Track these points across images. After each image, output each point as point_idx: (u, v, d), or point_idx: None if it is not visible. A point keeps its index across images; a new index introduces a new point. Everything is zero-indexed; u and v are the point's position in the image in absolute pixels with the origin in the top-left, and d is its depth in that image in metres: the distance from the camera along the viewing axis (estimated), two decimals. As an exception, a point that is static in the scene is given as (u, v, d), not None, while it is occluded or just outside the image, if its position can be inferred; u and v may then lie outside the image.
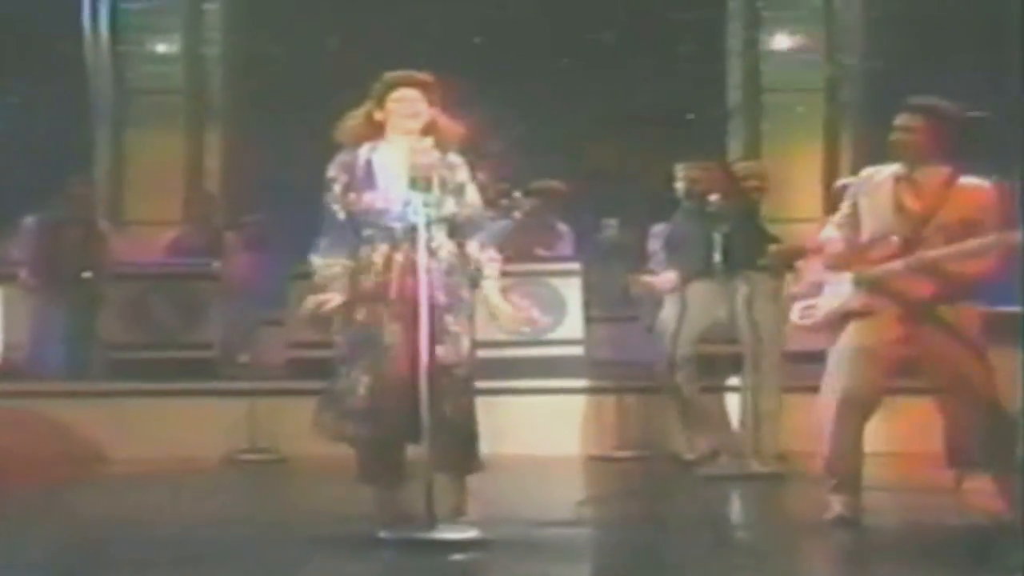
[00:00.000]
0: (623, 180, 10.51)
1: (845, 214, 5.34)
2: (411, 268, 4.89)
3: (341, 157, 5.11)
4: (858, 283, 5.14)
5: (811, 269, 5.39)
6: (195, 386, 7.91)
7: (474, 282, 5.08)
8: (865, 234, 5.21)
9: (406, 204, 4.93)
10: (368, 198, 5.01)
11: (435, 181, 4.92)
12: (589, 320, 8.20)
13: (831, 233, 5.36)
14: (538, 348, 7.90)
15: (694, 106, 11.03)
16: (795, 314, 5.35)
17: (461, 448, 5.02)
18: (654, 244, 8.05)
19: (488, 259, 5.08)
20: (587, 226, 8.95)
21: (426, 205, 4.87)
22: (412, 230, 4.91)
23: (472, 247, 5.08)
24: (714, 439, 7.09)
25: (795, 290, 5.43)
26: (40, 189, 9.00)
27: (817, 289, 5.30)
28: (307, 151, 10.37)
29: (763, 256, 6.96)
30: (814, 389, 7.14)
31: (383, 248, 4.96)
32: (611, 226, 8.28)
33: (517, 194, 8.74)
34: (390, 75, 5.12)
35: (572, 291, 8.08)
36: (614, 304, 8.38)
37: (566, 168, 9.57)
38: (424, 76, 5.12)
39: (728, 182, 7.15)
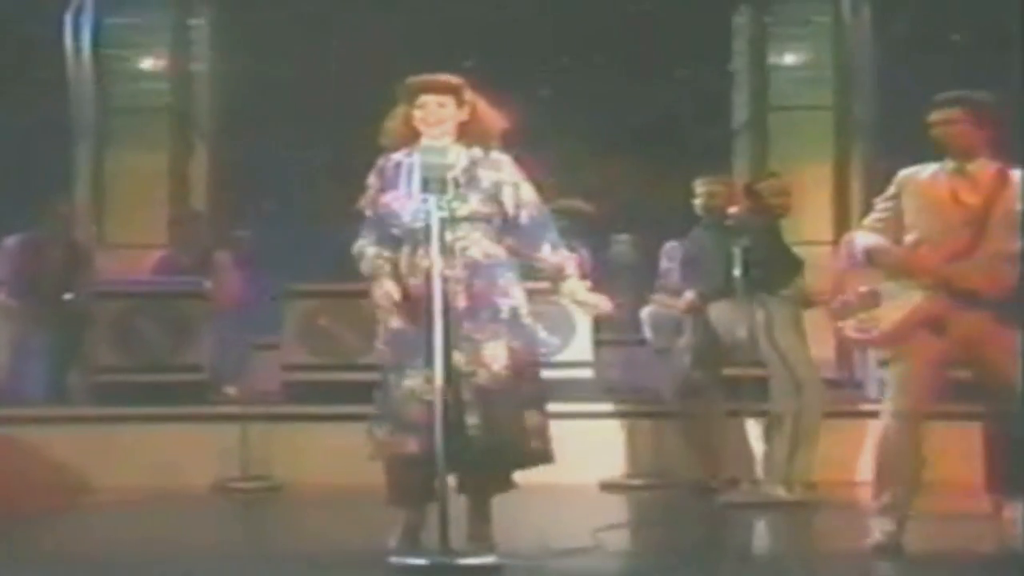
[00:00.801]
0: (627, 198, 10.30)
1: (882, 216, 5.13)
2: (427, 271, 4.73)
3: (379, 163, 5.01)
4: (934, 285, 4.90)
5: (858, 276, 5.10)
6: (183, 411, 7.66)
7: (555, 284, 5.01)
8: (911, 235, 5.01)
9: (424, 202, 4.75)
10: (388, 198, 4.89)
11: (450, 181, 4.74)
12: (599, 343, 7.95)
13: (870, 237, 5.12)
14: (546, 371, 7.63)
15: (699, 124, 10.82)
16: (850, 328, 5.05)
17: (484, 466, 4.83)
18: (666, 262, 7.86)
19: (566, 258, 4.96)
20: (596, 243, 8.69)
21: (440, 208, 4.67)
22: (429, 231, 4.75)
23: (545, 251, 4.92)
24: (735, 466, 6.83)
25: (844, 299, 5.10)
26: (20, 209, 8.74)
27: (871, 299, 5.01)
28: (296, 168, 10.38)
29: (786, 276, 6.77)
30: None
31: (405, 250, 4.83)
32: (622, 242, 8.04)
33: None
34: (411, 81, 4.97)
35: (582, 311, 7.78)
36: (625, 325, 8.11)
37: (568, 185, 9.34)
38: (448, 79, 4.95)
39: (748, 197, 6.94)
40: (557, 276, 4.99)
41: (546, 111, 10.39)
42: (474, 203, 4.85)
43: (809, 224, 9.53)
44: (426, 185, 4.69)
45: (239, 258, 8.70)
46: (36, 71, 10.44)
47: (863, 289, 5.02)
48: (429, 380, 4.66)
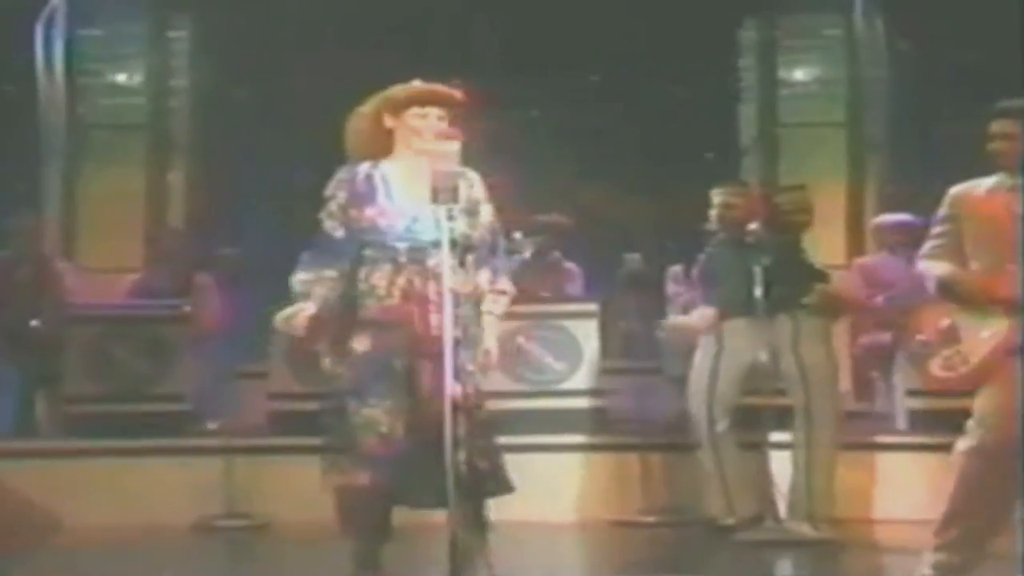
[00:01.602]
0: (636, 218, 10.13)
1: (941, 242, 4.89)
2: (415, 294, 4.72)
3: (339, 175, 4.94)
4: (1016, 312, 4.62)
5: (935, 312, 4.88)
6: (163, 443, 7.45)
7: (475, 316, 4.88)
8: (976, 261, 4.78)
9: (414, 220, 4.76)
10: (369, 213, 4.82)
11: (461, 192, 4.62)
12: (608, 370, 7.74)
13: (942, 266, 4.86)
14: (550, 399, 7.49)
15: (706, 143, 10.65)
16: (936, 367, 4.80)
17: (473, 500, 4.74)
18: (672, 287, 7.64)
19: (495, 291, 4.91)
20: (605, 264, 8.51)
21: (450, 219, 4.50)
22: (417, 250, 4.73)
23: (482, 277, 4.89)
24: (757, 501, 6.58)
25: (923, 339, 4.90)
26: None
27: (952, 334, 4.76)
28: (281, 185, 10.15)
29: (808, 294, 6.56)
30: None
31: (386, 269, 4.76)
32: (634, 260, 7.84)
33: (518, 235, 8.27)
34: (416, 89, 4.91)
35: (589, 335, 7.62)
36: (637, 351, 7.91)
37: (573, 205, 9.22)
38: (457, 94, 4.93)
39: (768, 209, 6.72)
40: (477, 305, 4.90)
41: (549, 130, 10.31)
42: (463, 225, 4.78)
43: (820, 246, 9.32)
44: (436, 196, 4.50)
45: (223, 279, 8.50)
46: (5, 85, 10.31)
47: (943, 323, 4.78)
48: (389, 411, 4.67)
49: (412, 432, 4.66)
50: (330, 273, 4.84)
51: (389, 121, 4.91)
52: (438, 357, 4.50)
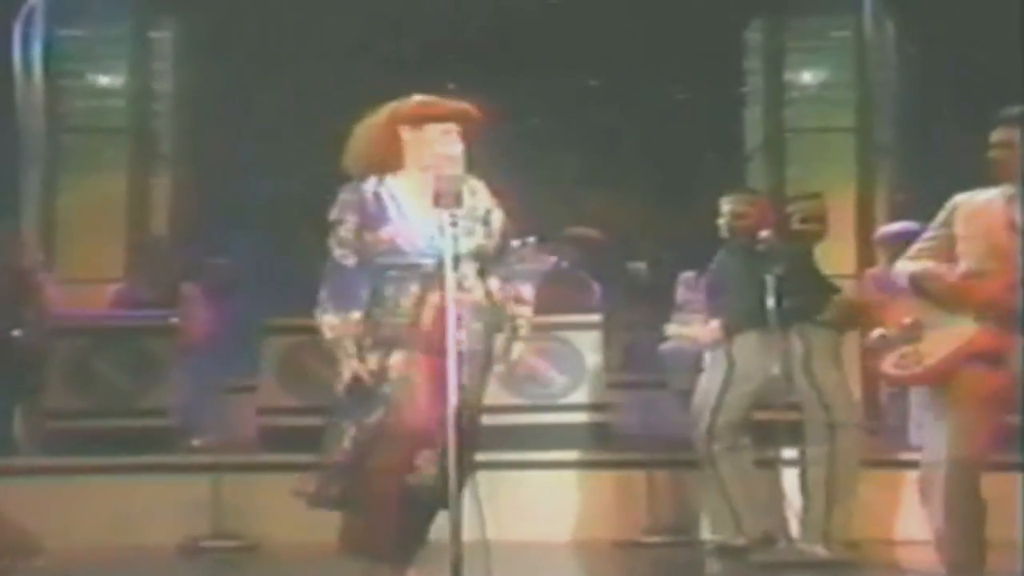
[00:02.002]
0: (640, 226, 10.12)
1: (931, 243, 4.94)
2: (444, 310, 4.59)
3: (344, 196, 4.90)
4: (989, 316, 4.66)
5: (899, 306, 4.89)
6: (148, 460, 7.39)
7: (498, 327, 4.88)
8: (962, 263, 4.82)
9: (432, 238, 4.69)
10: (385, 235, 4.79)
11: (465, 196, 4.61)
12: (612, 383, 7.74)
13: (916, 263, 4.93)
14: (552, 414, 7.47)
15: (712, 146, 10.64)
16: (889, 364, 4.80)
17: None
18: (683, 292, 7.61)
19: (517, 300, 4.93)
20: (608, 272, 8.49)
21: (453, 224, 4.48)
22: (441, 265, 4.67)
23: (493, 284, 4.89)
24: (766, 521, 6.51)
25: (883, 333, 4.89)
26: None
27: (914, 331, 4.76)
28: (265, 191, 10.12)
29: (821, 306, 6.53)
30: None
31: (414, 289, 4.75)
32: (639, 268, 7.81)
33: (516, 243, 8.19)
34: (435, 105, 4.92)
35: (592, 347, 7.62)
36: (642, 363, 7.87)
37: (573, 213, 9.20)
38: (474, 111, 4.97)
39: (778, 218, 6.68)
40: (501, 318, 4.94)
41: (550, 136, 10.28)
42: (480, 236, 4.81)
43: (829, 255, 9.30)
44: (438, 200, 4.48)
45: (212, 289, 8.45)
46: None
47: (906, 321, 4.82)
48: (360, 425, 4.70)
49: (403, 443, 4.66)
50: (355, 316, 4.77)
51: (406, 134, 4.88)
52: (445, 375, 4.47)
